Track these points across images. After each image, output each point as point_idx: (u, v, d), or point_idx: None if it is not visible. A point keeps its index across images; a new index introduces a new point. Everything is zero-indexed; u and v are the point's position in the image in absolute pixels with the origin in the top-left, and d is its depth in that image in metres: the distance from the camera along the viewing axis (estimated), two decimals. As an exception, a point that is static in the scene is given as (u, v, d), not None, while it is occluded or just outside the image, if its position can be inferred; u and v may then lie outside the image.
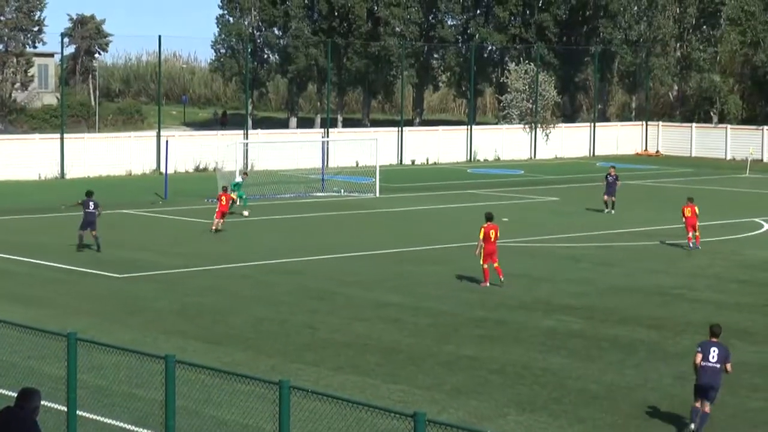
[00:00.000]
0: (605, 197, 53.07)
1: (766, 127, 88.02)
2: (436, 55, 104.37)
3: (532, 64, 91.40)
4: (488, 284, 33.34)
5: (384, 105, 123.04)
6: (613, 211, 52.32)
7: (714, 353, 19.61)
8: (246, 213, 50.23)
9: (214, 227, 44.61)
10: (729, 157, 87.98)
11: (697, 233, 41.79)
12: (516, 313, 29.74)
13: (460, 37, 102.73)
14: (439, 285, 33.84)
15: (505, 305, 30.81)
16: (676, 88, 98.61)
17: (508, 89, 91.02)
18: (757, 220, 50.27)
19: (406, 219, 50.69)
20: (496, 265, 33.37)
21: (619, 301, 31.59)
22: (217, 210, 45.13)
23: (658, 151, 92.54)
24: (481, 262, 33.47)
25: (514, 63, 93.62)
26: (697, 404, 19.57)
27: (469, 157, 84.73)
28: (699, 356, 19.59)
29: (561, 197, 59.36)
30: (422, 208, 54.45)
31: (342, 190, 60.59)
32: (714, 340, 19.85)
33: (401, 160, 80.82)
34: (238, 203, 50.29)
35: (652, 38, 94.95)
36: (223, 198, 45.41)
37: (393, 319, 28.80)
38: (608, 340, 26.68)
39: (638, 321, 28.93)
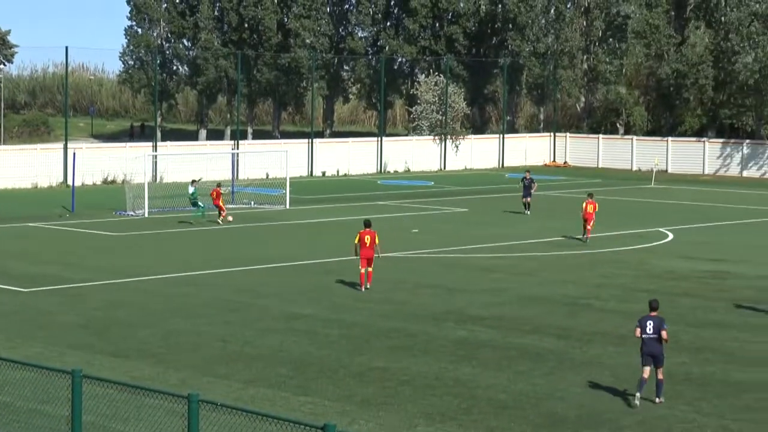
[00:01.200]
0: (522, 199, 56.33)
1: (670, 139, 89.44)
2: (346, 67, 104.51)
3: (441, 75, 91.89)
4: (363, 289, 34.23)
5: (294, 117, 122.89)
6: (528, 212, 54.58)
7: (650, 325, 22.30)
8: (230, 218, 52.47)
9: (224, 217, 51.51)
10: (635, 167, 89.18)
11: (590, 227, 45.06)
12: (427, 324, 29.78)
13: (370, 49, 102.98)
14: (351, 296, 33.79)
15: (416, 316, 30.85)
16: (583, 99, 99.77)
17: (418, 101, 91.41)
18: (662, 229, 50.96)
19: (317, 230, 50.60)
20: (369, 269, 34.50)
21: (529, 311, 31.78)
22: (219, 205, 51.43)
23: (566, 162, 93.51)
24: (359, 267, 34.56)
25: (424, 75, 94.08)
26: (644, 374, 22.07)
27: (379, 169, 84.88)
28: (638, 330, 22.37)
29: (471, 208, 59.67)
30: (333, 219, 54.38)
31: (252, 202, 60.31)
32: (652, 314, 22.49)
33: (312, 172, 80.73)
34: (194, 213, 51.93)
35: (559, 51, 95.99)
36: (214, 193, 51.63)
37: (305, 331, 28.68)
38: (518, 350, 26.82)
39: (547, 330, 29.13)
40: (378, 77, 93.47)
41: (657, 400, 22.13)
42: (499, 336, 28.40)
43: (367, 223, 35.21)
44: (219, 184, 53.54)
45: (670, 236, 48.96)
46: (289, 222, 53.53)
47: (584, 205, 46.39)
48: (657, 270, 39.58)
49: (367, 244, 34.40)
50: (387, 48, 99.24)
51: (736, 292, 35.37)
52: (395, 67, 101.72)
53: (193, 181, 53.32)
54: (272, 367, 24.83)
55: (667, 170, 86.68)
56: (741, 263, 41.37)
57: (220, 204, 52.06)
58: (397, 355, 26.15)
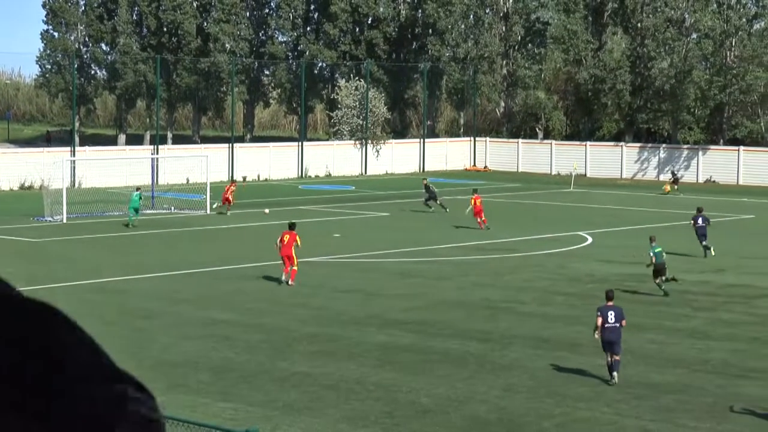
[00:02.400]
0: (431, 203, 59.21)
1: (589, 143, 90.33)
2: (266, 72, 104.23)
3: (362, 80, 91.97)
4: (292, 283, 36.32)
5: (214, 121, 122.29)
6: (444, 209, 57.09)
7: (612, 315, 24.46)
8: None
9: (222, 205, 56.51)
10: (554, 172, 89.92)
11: (484, 219, 50.42)
12: (349, 329, 29.76)
13: (290, 54, 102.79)
14: (272, 301, 33.68)
15: (338, 321, 30.81)
16: (502, 104, 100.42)
17: (339, 105, 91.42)
18: (581, 233, 51.40)
19: (238, 236, 50.37)
20: (294, 268, 36.61)
21: (450, 315, 31.88)
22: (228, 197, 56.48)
23: (486, 167, 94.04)
24: (283, 263, 37.23)
25: (344, 79, 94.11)
26: (609, 359, 24.16)
27: (300, 173, 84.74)
28: (599, 319, 24.43)
29: (392, 213, 59.77)
30: (253, 224, 54.15)
31: (172, 207, 59.88)
32: (610, 303, 24.75)
33: (232, 177, 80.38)
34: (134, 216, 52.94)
35: (479, 56, 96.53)
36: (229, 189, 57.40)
37: (224, 337, 28.51)
38: (439, 354, 26.89)
39: (468, 334, 29.24)
40: (298, 82, 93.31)
41: (614, 376, 24.05)
42: (421, 340, 28.46)
43: (291, 225, 38.38)
44: (233, 181, 59.73)
45: (590, 240, 49.40)
46: (208, 227, 53.23)
47: (472, 200, 51.75)
48: (576, 273, 39.91)
49: (285, 243, 37.15)
50: (307, 53, 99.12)
51: (654, 295, 35.75)
52: (315, 72, 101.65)
53: (138, 188, 54.17)
54: (192, 374, 24.65)
55: (585, 174, 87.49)
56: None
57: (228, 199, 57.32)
58: (319, 360, 26.09)
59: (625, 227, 54.96)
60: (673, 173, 78.83)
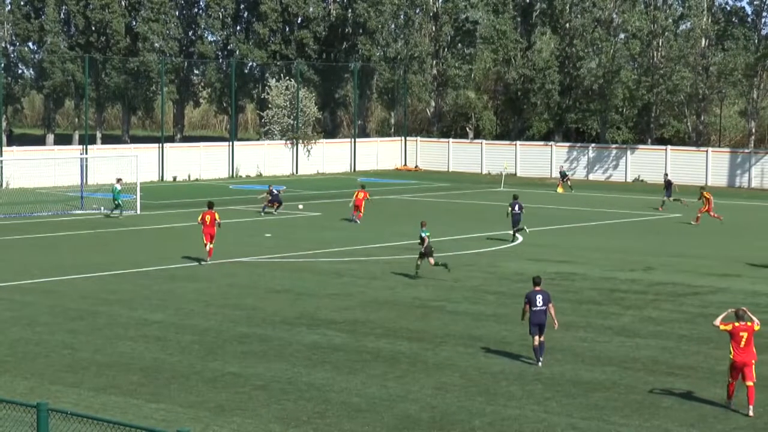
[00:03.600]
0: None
1: (518, 143, 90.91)
2: (196, 71, 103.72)
3: (292, 80, 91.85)
4: (209, 260, 40.32)
5: (144, 121, 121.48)
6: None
7: (539, 299, 25.90)
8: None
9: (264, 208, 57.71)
10: (485, 171, 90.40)
11: (361, 213, 52.67)
12: (280, 329, 29.75)
13: (220, 53, 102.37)
14: (204, 302, 33.58)
15: (269, 321, 30.79)
16: (433, 104, 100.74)
17: (270, 105, 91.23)
18: (511, 232, 51.71)
19: (168, 236, 50.12)
20: (211, 245, 40.72)
21: (381, 314, 31.98)
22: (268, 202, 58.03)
23: (417, 166, 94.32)
24: (205, 241, 40.73)
25: (274, 79, 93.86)
26: (535, 342, 25.77)
27: (231, 174, 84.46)
28: (527, 305, 25.86)
29: (323, 212, 59.78)
30: (184, 225, 53.90)
31: (102, 208, 59.45)
32: (537, 288, 25.97)
33: (162, 177, 79.93)
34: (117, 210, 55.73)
35: (409, 55, 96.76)
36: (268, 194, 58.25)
37: (156, 338, 28.40)
38: (371, 353, 26.97)
39: (399, 333, 29.36)
40: (228, 81, 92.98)
41: (539, 363, 25.71)
42: (352, 340, 28.53)
43: (210, 204, 41.79)
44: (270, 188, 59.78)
45: (519, 239, 49.73)
46: (139, 227, 52.92)
47: (356, 193, 55.21)
48: (507, 272, 40.19)
49: (208, 223, 40.64)
50: (237, 52, 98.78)
51: (582, 293, 36.14)
52: (246, 72, 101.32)
53: (119, 180, 56.47)
54: (123, 375, 24.53)
55: (516, 174, 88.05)
56: (586, 264, 42.28)
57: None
58: (250, 361, 26.07)
59: (554, 226, 55.37)
60: (561, 172, 79.42)
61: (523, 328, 28.36)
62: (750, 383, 22.23)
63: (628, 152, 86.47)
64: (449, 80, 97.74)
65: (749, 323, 22.41)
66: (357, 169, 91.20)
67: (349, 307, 33.18)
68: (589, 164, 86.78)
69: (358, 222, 54.31)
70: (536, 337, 25.80)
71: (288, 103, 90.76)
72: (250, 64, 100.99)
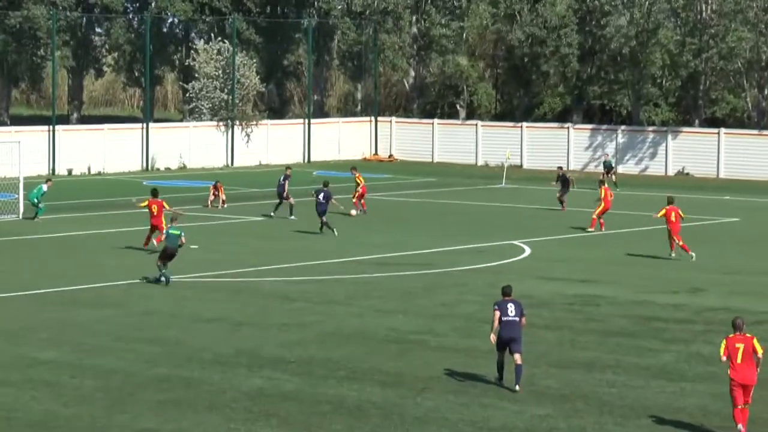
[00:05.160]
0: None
1: (525, 124, 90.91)
2: (99, 30, 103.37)
3: (227, 42, 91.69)
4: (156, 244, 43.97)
5: (29, 96, 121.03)
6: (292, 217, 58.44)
7: (511, 308, 27.97)
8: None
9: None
10: (480, 162, 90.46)
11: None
12: (211, 370, 29.70)
13: (130, 6, 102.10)
14: (110, 335, 33.48)
15: (196, 359, 30.73)
16: (412, 73, 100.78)
17: (196, 75, 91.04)
18: (516, 242, 51.72)
19: (64, 248, 49.93)
20: (157, 236, 44.58)
21: (345, 351, 31.93)
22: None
23: (391, 156, 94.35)
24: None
25: (203, 41, 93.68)
26: (500, 357, 27.95)
27: (145, 166, 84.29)
28: (497, 313, 27.87)
29: (268, 217, 59.64)
30: (84, 233, 53.74)
31: (-24, 212, 59.25)
32: (507, 298, 28.11)
33: (54, 170, 79.68)
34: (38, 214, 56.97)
35: (381, 9, 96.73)
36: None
37: (46, 383, 28.30)
38: (331, 403, 26.95)
39: (370, 377, 29.33)
40: (142, 43, 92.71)
41: (517, 387, 27.53)
42: (307, 385, 28.50)
43: (155, 192, 47.90)
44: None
45: (527, 251, 49.75)
46: (23, 237, 52.73)
47: (356, 178, 61.00)
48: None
49: (155, 213, 46.38)
50: (153, 4, 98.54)
51: (609, 322, 36.18)
52: (165, 30, 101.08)
53: (48, 180, 59.02)
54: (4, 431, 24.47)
55: (522, 165, 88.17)
56: (614, 284, 42.32)
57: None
58: (170, 413, 26.02)
59: (571, 234, 55.45)
60: (606, 164, 78.96)
61: (533, 368, 28.43)
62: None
63: (669, 137, 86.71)
64: (434, 42, 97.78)
65: (748, 335, 24.21)
66: (312, 159, 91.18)
67: (302, 341, 33.13)
68: (618, 152, 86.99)
69: (366, 213, 60.71)
70: (501, 355, 28.08)
71: (221, 72, 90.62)
72: (171, 19, 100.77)
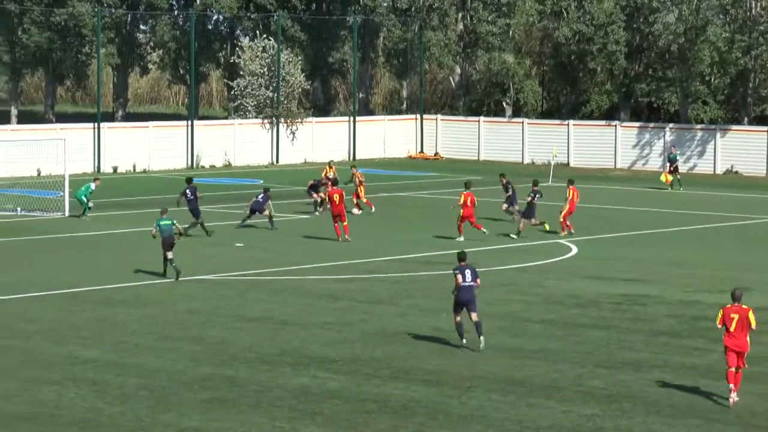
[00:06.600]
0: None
1: (572, 122, 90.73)
2: (143, 27, 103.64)
3: (272, 39, 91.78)
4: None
5: (75, 93, 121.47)
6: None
7: (468, 274, 31.57)
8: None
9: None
10: (527, 160, 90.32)
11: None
12: (255, 369, 29.73)
13: (175, 3, 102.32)
14: (153, 333, 33.57)
15: (241, 358, 30.78)
16: (458, 71, 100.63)
17: (241, 72, 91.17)
18: (563, 242, 51.64)
19: (107, 246, 50.11)
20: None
21: (390, 350, 31.94)
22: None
23: (437, 153, 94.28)
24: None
25: (248, 38, 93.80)
26: (458, 318, 31.61)
27: (190, 163, 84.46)
28: (459, 278, 31.43)
29: (313, 215, 59.65)
30: (128, 231, 53.92)
31: (19, 209, 59.47)
32: (463, 263, 31.72)
33: (99, 167, 79.98)
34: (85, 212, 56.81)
35: (427, 6, 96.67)
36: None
37: (90, 381, 28.40)
38: (377, 402, 26.95)
39: (414, 375, 29.32)
40: (187, 41, 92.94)
41: (481, 342, 31.49)
42: (352, 384, 28.51)
43: (335, 181, 54.30)
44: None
45: (574, 250, 49.66)
46: (67, 235, 52.92)
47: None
48: (557, 294, 40.11)
49: (337, 203, 50.93)
50: (198, 1, 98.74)
51: (657, 322, 36.07)
52: (210, 28, 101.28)
53: (96, 179, 59.26)
54: (49, 430, 24.53)
55: (568, 163, 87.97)
56: (662, 284, 42.19)
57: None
58: (215, 412, 26.06)
59: (618, 233, 55.29)
60: (671, 158, 78.23)
61: (580, 368, 28.37)
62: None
63: (718, 135, 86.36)
64: (480, 39, 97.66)
65: (744, 306, 26.85)
66: (357, 156, 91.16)
67: (347, 340, 33.15)
68: (665, 150, 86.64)
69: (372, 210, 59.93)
70: (459, 316, 31.62)
71: (266, 69, 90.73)
72: (216, 17, 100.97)
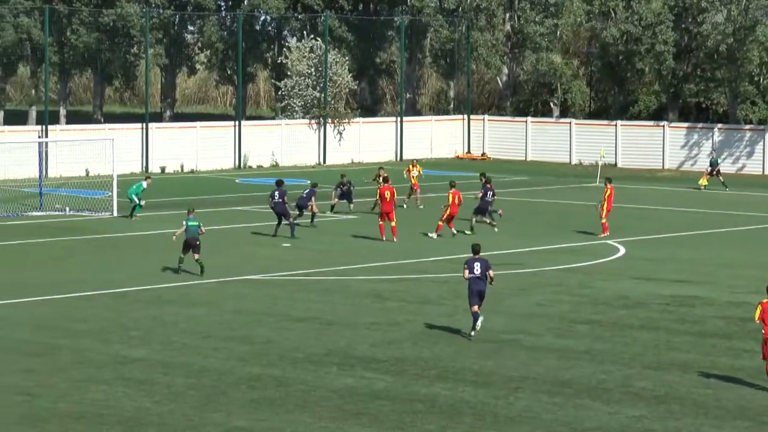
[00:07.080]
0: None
1: (620, 122, 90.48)
2: (191, 27, 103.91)
3: (319, 39, 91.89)
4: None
5: (123, 93, 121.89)
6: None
7: (477, 267, 32.98)
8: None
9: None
10: (574, 161, 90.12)
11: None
12: (302, 369, 29.80)
13: (223, 4, 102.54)
14: (200, 333, 33.68)
15: (288, 358, 30.84)
16: (505, 71, 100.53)
17: (289, 73, 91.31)
18: (610, 242, 51.51)
19: (155, 246, 50.24)
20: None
21: (437, 351, 31.95)
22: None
23: (484, 154, 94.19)
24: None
25: (295, 38, 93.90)
26: (475, 308, 32.95)
27: (237, 163, 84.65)
28: (467, 271, 32.98)
29: (360, 214, 59.71)
30: (173, 231, 54.02)
31: (67, 208, 59.74)
32: (476, 256, 33.08)
33: (147, 167, 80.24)
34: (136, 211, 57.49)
35: (474, 6, 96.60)
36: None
37: (138, 380, 28.52)
38: (424, 402, 26.96)
39: (462, 376, 29.32)
40: (234, 41, 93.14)
41: (472, 332, 33.12)
42: (399, 384, 28.53)
43: (386, 180, 53.55)
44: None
45: (621, 251, 49.53)
46: (115, 234, 53.14)
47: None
48: (605, 295, 40.03)
49: (388, 199, 51.23)
50: (246, 2, 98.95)
51: (705, 323, 35.96)
52: (257, 28, 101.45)
53: (147, 178, 59.67)
54: (97, 429, 24.65)
55: (616, 164, 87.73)
56: (710, 285, 42.06)
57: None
58: (263, 411, 26.13)
59: (667, 234, 55.14)
60: (712, 162, 77.86)
61: (627, 369, 28.32)
62: None
63: (767, 135, 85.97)
64: (527, 39, 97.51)
65: None
66: (404, 156, 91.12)
67: (394, 340, 33.18)
68: (714, 151, 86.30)
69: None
70: (476, 306, 32.98)
71: (313, 69, 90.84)
72: (263, 17, 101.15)
